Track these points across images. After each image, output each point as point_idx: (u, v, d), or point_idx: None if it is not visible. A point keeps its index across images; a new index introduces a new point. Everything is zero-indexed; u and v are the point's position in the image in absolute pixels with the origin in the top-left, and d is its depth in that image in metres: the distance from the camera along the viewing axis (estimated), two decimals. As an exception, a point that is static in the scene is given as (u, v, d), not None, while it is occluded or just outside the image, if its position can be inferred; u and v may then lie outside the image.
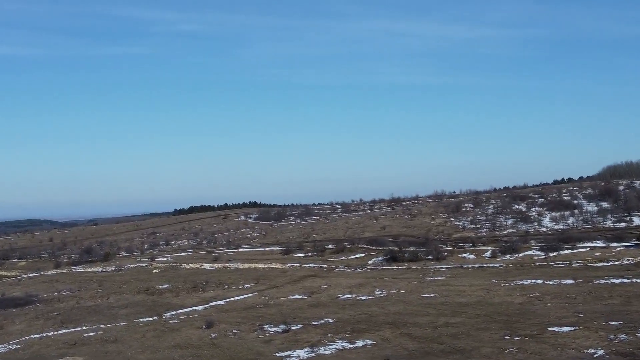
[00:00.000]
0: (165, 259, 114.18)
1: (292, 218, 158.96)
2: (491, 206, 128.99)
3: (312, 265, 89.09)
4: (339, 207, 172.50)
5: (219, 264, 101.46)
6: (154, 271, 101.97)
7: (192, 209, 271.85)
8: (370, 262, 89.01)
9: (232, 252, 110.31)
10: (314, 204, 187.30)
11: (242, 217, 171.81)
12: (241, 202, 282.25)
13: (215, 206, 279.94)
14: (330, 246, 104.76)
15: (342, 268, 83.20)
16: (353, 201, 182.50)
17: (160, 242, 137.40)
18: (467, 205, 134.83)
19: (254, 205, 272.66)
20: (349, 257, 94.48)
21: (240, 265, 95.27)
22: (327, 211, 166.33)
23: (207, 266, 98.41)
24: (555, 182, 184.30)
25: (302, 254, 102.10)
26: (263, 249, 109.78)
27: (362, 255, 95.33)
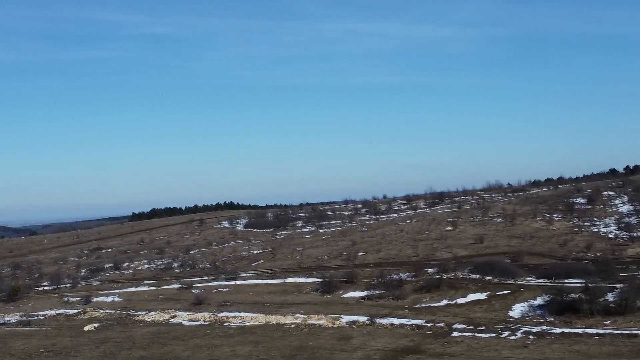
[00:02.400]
0: (109, 299, 69.19)
1: (299, 223, 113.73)
2: (619, 200, 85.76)
3: (394, 321, 45.66)
4: (361, 206, 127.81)
5: (207, 315, 57.46)
6: (85, 328, 58.38)
7: (154, 213, 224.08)
8: (514, 312, 45.97)
9: (225, 286, 65.95)
10: (320, 203, 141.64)
11: (225, 223, 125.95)
12: (214, 203, 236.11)
13: (183, 208, 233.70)
14: (405, 275, 60.77)
15: (465, 328, 39.85)
16: (375, 198, 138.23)
17: (106, 266, 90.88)
18: (576, 200, 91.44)
19: (234, 206, 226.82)
20: (458, 301, 51.11)
21: (249, 320, 51.24)
22: (347, 212, 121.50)
23: (183, 319, 54.42)
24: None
25: (359, 293, 58.45)
26: (281, 281, 65.07)
27: (481, 295, 51.64)
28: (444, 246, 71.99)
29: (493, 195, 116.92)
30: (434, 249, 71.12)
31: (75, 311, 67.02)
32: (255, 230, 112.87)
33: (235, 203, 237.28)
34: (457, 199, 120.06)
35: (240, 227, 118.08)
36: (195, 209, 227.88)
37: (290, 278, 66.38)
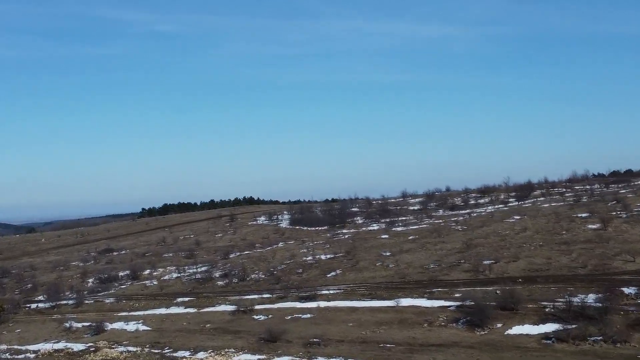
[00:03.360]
0: (131, 327, 48.15)
1: (359, 220, 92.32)
2: None
3: None
4: (426, 200, 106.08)
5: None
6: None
7: (167, 208, 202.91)
8: None
9: (303, 310, 45.96)
10: (383, 198, 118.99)
11: (262, 220, 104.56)
12: (231, 199, 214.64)
13: (199, 204, 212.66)
14: (592, 299, 39.12)
15: None
16: (438, 191, 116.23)
17: (121, 274, 69.76)
18: None
19: (254, 202, 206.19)
20: None
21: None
22: (413, 207, 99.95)
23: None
24: None
25: (532, 327, 37.27)
26: (390, 304, 43.61)
27: None
28: (614, 252, 50.20)
29: (594, 185, 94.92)
30: (601, 256, 49.38)
31: (81, 346, 46.04)
32: (305, 228, 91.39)
33: (256, 198, 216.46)
34: (558, 189, 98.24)
35: (284, 225, 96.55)
36: (212, 205, 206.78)
37: (403, 300, 44.71)
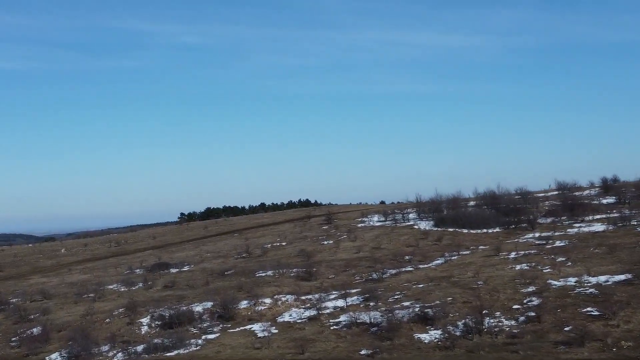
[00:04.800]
0: None
1: (544, 218, 59.82)
2: None
3: None
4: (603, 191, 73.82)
5: None
6: None
7: (210, 213, 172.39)
8: None
9: None
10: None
11: (373, 220, 73.29)
12: (284, 202, 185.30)
13: (247, 207, 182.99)
14: None
15: None
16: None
17: (198, 308, 38.42)
18: None
19: (309, 204, 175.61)
20: None
21: None
22: (602, 202, 67.88)
23: None
24: None
25: None
26: None
27: None
28: None
29: None
30: None
31: None
32: (466, 230, 59.68)
33: (313, 201, 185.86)
34: None
35: (424, 226, 64.69)
36: (263, 208, 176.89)
37: None
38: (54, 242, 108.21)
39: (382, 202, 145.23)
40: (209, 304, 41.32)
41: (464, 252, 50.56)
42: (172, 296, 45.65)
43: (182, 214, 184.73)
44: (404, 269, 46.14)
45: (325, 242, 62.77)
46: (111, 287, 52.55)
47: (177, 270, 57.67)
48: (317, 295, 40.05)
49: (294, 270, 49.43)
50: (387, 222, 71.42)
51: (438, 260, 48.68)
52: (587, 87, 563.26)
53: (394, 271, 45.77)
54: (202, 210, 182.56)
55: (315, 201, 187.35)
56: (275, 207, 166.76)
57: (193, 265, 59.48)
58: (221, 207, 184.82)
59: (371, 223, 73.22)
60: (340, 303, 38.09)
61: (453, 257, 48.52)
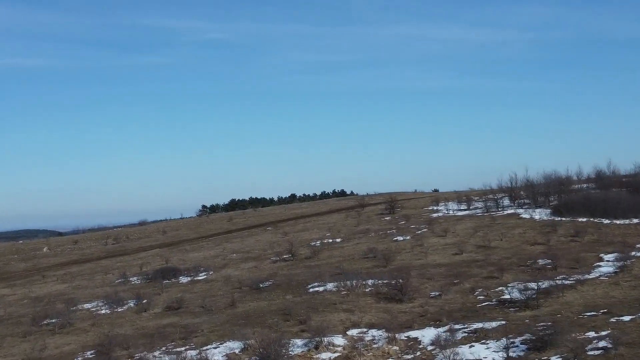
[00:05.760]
0: None
1: None
2: None
3: None
4: None
5: None
6: None
7: (235, 204, 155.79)
8: None
9: None
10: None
11: (451, 208, 54.39)
12: (317, 193, 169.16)
13: (275, 199, 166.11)
14: None
15: None
16: None
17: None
18: None
19: (345, 195, 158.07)
20: None
21: None
22: None
23: None
24: None
25: None
26: None
27: None
28: None
29: None
30: None
31: None
32: (606, 221, 41.40)
33: (349, 192, 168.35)
34: None
35: (539, 216, 46.47)
36: (293, 199, 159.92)
37: None
38: (37, 240, 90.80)
39: (436, 190, 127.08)
40: (235, 346, 23.75)
41: (636, 254, 32.31)
42: (176, 327, 28.13)
43: (203, 206, 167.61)
44: (556, 281, 27.97)
45: (400, 238, 44.71)
46: (88, 306, 35.20)
47: (189, 279, 40.01)
48: (430, 332, 22.26)
49: (369, 281, 31.59)
50: (477, 212, 53.04)
51: (602, 266, 30.58)
52: (619, 83, 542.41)
53: (541, 285, 27.59)
54: (226, 203, 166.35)
55: (352, 191, 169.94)
56: (308, 199, 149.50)
57: (212, 271, 41.79)
58: (247, 198, 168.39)
59: (451, 212, 54.94)
60: (484, 352, 20.26)
61: (627, 262, 30.30)
